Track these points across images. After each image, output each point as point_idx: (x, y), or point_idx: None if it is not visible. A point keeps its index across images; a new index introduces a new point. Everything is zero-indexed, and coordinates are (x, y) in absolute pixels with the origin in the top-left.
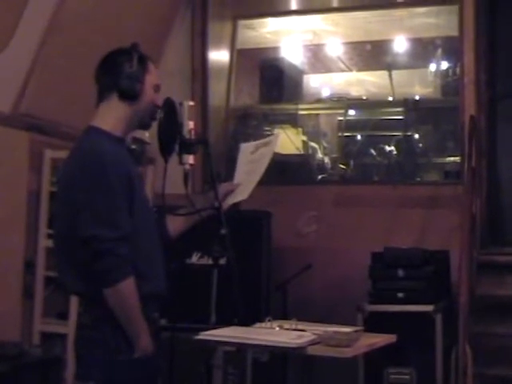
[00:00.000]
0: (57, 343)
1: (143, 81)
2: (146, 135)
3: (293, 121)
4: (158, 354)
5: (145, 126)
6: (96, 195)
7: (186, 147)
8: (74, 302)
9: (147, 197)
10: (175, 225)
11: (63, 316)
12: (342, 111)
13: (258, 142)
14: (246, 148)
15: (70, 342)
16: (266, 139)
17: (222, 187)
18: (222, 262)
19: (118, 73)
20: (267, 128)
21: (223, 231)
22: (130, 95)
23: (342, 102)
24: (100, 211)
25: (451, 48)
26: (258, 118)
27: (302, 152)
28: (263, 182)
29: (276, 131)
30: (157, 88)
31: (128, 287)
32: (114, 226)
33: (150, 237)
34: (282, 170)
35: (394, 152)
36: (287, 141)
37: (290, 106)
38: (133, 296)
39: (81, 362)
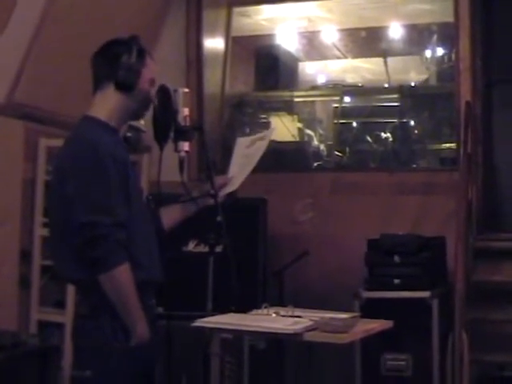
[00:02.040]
0: (54, 332)
1: (140, 74)
2: (141, 123)
3: (288, 108)
4: (154, 342)
5: (139, 116)
6: (92, 182)
7: (181, 134)
8: (70, 290)
9: (141, 188)
10: (171, 213)
11: (60, 305)
12: (337, 98)
13: (253, 137)
14: (241, 142)
15: (68, 331)
16: (262, 134)
17: (217, 180)
18: (218, 249)
19: (116, 63)
20: (262, 115)
21: (219, 218)
22: (126, 86)
23: (338, 88)
24: (96, 198)
25: (446, 34)
26: (253, 105)
27: (298, 139)
28: (258, 169)
29: (271, 119)
30: (152, 82)
31: (124, 273)
32: (111, 213)
33: (145, 224)
34: (278, 157)
35: (390, 139)
36: (283, 128)
37: (285, 94)
38: (129, 282)
39: (78, 351)
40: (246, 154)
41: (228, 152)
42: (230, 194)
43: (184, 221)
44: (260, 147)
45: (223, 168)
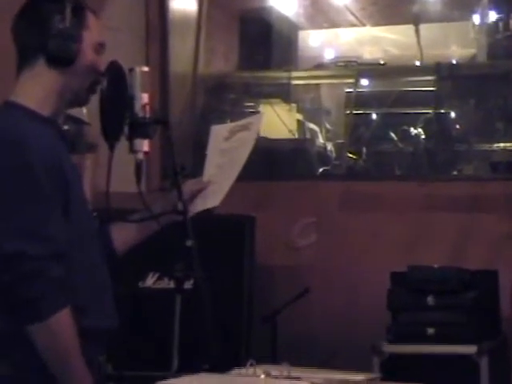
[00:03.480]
0: None
1: (80, 39)
2: (83, 112)
3: (284, 94)
4: None
5: (82, 101)
6: (18, 197)
7: (139, 129)
8: None
9: (86, 198)
10: (124, 236)
11: None
12: (351, 81)
13: (234, 124)
14: (218, 132)
15: None
16: (246, 120)
17: (187, 186)
18: (188, 285)
19: (44, 29)
20: (249, 103)
21: (189, 243)
22: (61, 59)
23: (352, 68)
24: (24, 219)
25: None
26: (237, 89)
27: (297, 136)
28: (245, 177)
29: (261, 108)
30: (99, 48)
31: (63, 322)
32: (44, 239)
33: (91, 252)
34: (270, 160)
35: (422, 136)
36: (277, 121)
37: (280, 74)
38: (69, 334)
39: None
40: (225, 148)
41: (202, 152)
42: (206, 209)
43: (141, 245)
44: (245, 141)
45: (195, 175)
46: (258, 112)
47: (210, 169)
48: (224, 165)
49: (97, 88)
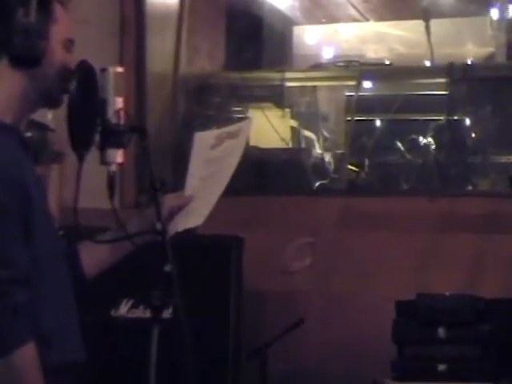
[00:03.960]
0: None
1: (47, 35)
2: (48, 118)
3: (277, 97)
4: None
5: (52, 104)
6: None
7: (112, 137)
8: None
9: (51, 214)
10: (95, 257)
11: None
12: (352, 83)
13: (220, 131)
14: (202, 140)
15: None
16: (233, 126)
17: (167, 201)
18: (167, 314)
19: (7, 24)
20: (237, 108)
21: (168, 268)
22: (27, 59)
23: (353, 68)
24: None
25: None
26: (224, 92)
27: (291, 145)
28: (232, 191)
29: (250, 113)
30: (69, 44)
31: (27, 357)
32: (5, 262)
33: (56, 276)
34: (261, 172)
35: (433, 146)
36: (268, 128)
37: (272, 75)
38: (33, 371)
39: None
40: (210, 158)
41: (183, 164)
42: (188, 229)
43: (114, 268)
44: (233, 150)
45: (176, 187)
46: (247, 118)
47: (192, 182)
48: (209, 177)
49: (70, 86)
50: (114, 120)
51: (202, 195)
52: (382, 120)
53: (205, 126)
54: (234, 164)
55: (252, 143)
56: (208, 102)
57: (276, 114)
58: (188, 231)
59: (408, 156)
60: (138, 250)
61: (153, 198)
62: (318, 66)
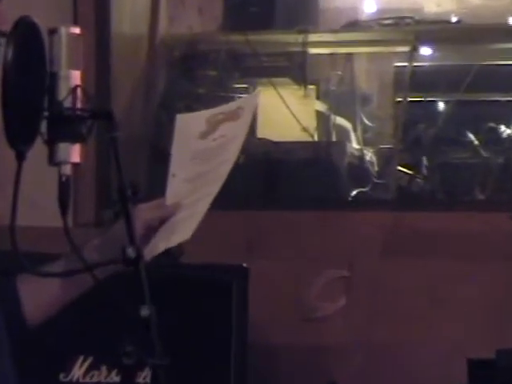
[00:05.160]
0: None
1: None
2: None
3: (296, 70)
4: None
5: None
6: None
7: (65, 128)
8: None
9: None
10: (40, 296)
11: None
12: (404, 49)
13: (213, 112)
14: (188, 124)
15: None
16: (231, 104)
17: (141, 214)
18: (142, 379)
19: None
20: (239, 85)
21: (144, 312)
22: None
23: (406, 28)
24: None
25: None
26: (220, 61)
27: (316, 138)
28: (232, 202)
29: (259, 92)
30: None
31: None
32: None
33: None
34: (273, 175)
35: None
36: (283, 113)
37: (290, 38)
38: None
39: None
40: (200, 151)
41: (165, 161)
42: (169, 251)
43: (66, 312)
44: (232, 137)
45: (154, 193)
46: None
47: (175, 185)
48: (198, 178)
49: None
50: (67, 102)
51: (188, 202)
52: (446, 102)
53: (193, 110)
54: (232, 159)
55: (260, 134)
56: (198, 77)
57: (295, 93)
58: (172, 254)
59: (484, 153)
60: (100, 286)
61: (122, 212)
62: (354, 26)
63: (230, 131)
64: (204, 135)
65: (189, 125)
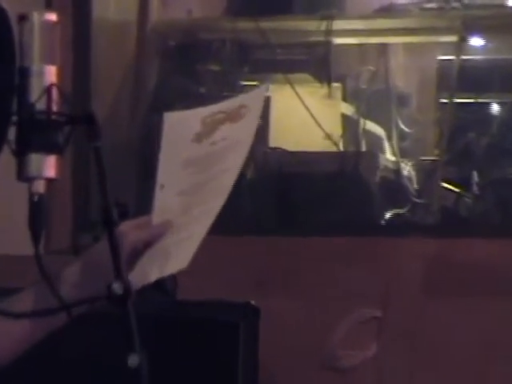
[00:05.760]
0: None
1: None
2: None
3: (319, 64)
4: None
5: None
6: None
7: (38, 135)
8: None
9: None
10: (7, 336)
11: None
12: (450, 39)
13: (211, 109)
14: (179, 124)
15: None
16: (233, 100)
17: (128, 236)
18: None
19: None
20: (248, 81)
21: (134, 360)
22: None
23: (452, 14)
24: None
25: None
26: (225, 53)
27: (342, 147)
28: (238, 227)
29: (271, 92)
30: None
31: None
32: None
33: None
34: (290, 192)
35: None
36: (302, 116)
37: (310, 25)
38: None
39: None
40: (194, 158)
41: (154, 171)
42: (161, 284)
43: (35, 358)
44: (235, 141)
45: (143, 210)
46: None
47: (164, 199)
48: (194, 190)
49: None
50: (40, 105)
51: (183, 221)
52: (501, 103)
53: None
54: (235, 168)
55: (273, 143)
56: (198, 72)
57: (316, 92)
58: (164, 287)
59: None
60: (78, 325)
61: (107, 237)
62: (389, 11)
63: (232, 134)
64: (199, 138)
65: (180, 125)
